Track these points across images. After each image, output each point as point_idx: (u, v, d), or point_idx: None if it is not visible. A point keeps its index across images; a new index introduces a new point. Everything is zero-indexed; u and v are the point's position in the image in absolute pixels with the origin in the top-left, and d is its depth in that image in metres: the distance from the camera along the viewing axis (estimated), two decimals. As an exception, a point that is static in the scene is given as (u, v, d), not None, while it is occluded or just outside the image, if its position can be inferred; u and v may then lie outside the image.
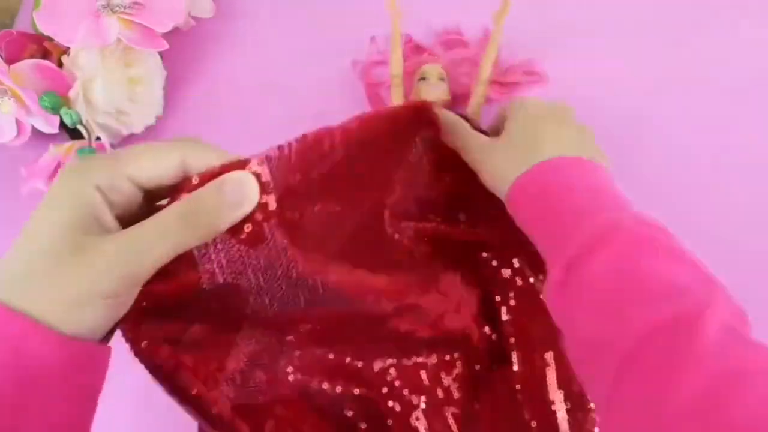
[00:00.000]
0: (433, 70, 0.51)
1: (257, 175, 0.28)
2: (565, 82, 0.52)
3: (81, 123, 0.52)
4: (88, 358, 0.27)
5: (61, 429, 0.27)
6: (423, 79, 0.51)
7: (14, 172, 0.53)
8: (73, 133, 0.54)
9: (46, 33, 0.52)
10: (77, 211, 0.26)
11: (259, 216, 0.28)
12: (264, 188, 0.28)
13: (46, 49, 0.56)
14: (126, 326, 0.28)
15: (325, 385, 0.38)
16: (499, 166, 0.37)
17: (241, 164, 0.28)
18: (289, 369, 0.38)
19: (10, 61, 0.52)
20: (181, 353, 0.31)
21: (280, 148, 0.30)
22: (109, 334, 0.29)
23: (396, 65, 0.50)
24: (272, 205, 0.29)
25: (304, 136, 0.31)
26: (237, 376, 0.35)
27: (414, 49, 0.56)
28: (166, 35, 0.54)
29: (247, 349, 0.35)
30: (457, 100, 0.52)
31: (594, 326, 0.29)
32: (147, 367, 0.30)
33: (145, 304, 0.28)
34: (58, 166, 0.51)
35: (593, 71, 0.53)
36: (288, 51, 0.60)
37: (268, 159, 0.29)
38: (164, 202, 0.28)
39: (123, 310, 0.27)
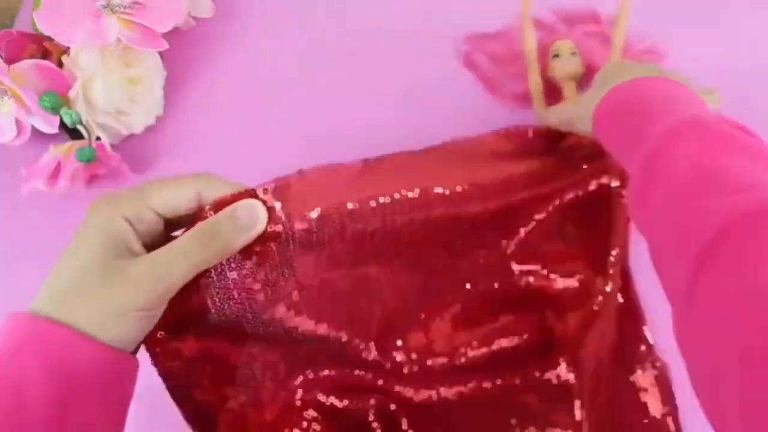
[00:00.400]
0: (564, 45, 0.53)
1: (264, 202, 0.32)
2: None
3: (81, 123, 0.52)
4: (126, 368, 0.30)
5: None
6: (556, 56, 0.52)
7: (14, 172, 0.53)
8: (73, 133, 0.54)
9: (46, 33, 0.52)
10: (110, 238, 0.29)
11: (267, 237, 0.32)
12: (271, 213, 0.32)
13: (46, 49, 0.56)
14: (149, 338, 0.31)
15: (343, 402, 0.38)
16: (586, 108, 0.39)
17: (249, 193, 0.32)
18: (298, 381, 0.38)
19: (10, 61, 0.52)
20: (198, 363, 0.34)
21: (284, 177, 0.33)
22: (137, 348, 0.32)
23: (527, 44, 0.52)
24: (278, 228, 0.32)
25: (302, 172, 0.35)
26: (243, 393, 0.36)
27: (538, 26, 0.57)
28: (166, 35, 0.54)
29: (256, 364, 0.37)
30: (589, 73, 0.53)
31: (672, 218, 0.29)
32: (163, 375, 0.33)
33: (168, 319, 0.31)
34: (58, 166, 0.51)
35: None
36: (288, 51, 0.60)
37: (273, 187, 0.33)
38: (179, 232, 0.32)
39: (152, 323, 0.31)
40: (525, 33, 0.53)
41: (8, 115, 0.51)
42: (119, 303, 0.28)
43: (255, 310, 0.34)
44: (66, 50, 0.54)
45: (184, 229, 0.32)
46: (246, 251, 0.32)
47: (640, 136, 0.32)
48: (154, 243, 0.31)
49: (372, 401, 0.38)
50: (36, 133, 0.53)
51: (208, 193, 0.32)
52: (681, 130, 0.31)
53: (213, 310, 0.33)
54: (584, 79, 0.52)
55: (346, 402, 0.38)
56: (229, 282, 0.32)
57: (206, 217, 0.31)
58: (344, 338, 0.37)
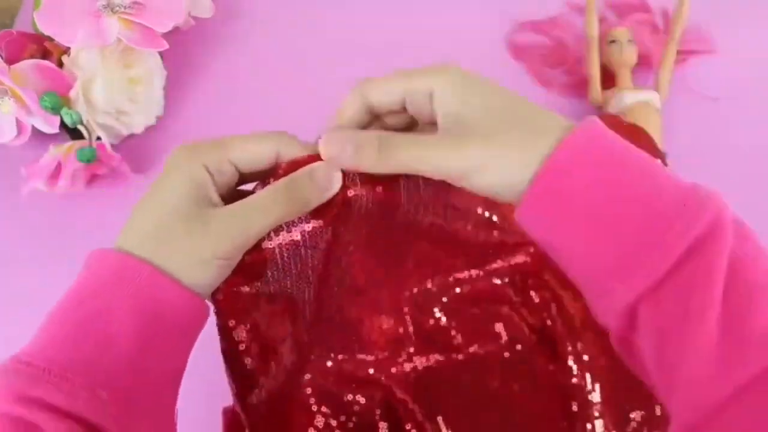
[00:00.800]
0: (622, 33, 0.54)
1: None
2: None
3: (81, 123, 0.52)
4: (200, 313, 0.31)
5: (170, 377, 0.31)
6: (613, 41, 0.54)
7: (14, 172, 0.53)
8: (74, 133, 0.54)
9: (47, 33, 0.52)
10: (192, 186, 0.30)
11: (338, 201, 0.33)
12: (344, 179, 0.33)
13: (46, 49, 0.56)
14: (220, 289, 0.33)
15: (351, 397, 0.38)
16: (486, 169, 0.28)
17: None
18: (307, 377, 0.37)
19: (10, 61, 0.52)
20: (254, 328, 0.35)
21: None
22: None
23: (591, 27, 0.54)
24: (350, 193, 0.33)
25: None
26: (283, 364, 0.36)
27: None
28: (166, 35, 0.54)
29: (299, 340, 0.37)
30: (641, 61, 0.54)
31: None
32: (220, 327, 0.34)
33: (240, 270, 0.33)
34: (59, 166, 0.51)
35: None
36: (288, 51, 0.60)
37: None
38: (247, 187, 0.33)
39: (228, 272, 0.32)
40: (589, 18, 0.54)
41: (8, 115, 0.52)
42: (202, 250, 0.29)
43: (315, 271, 0.35)
44: (66, 50, 0.54)
45: (256, 184, 0.33)
46: (317, 211, 0.33)
47: (627, 248, 0.25)
48: (227, 195, 0.32)
49: (378, 398, 0.38)
50: (36, 133, 0.53)
51: (287, 152, 0.32)
52: (700, 247, 0.24)
53: (280, 266, 0.34)
54: (637, 67, 0.54)
55: (353, 396, 0.38)
56: (299, 237, 0.34)
57: (282, 175, 0.32)
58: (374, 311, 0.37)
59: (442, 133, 0.30)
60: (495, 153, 0.28)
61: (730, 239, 0.24)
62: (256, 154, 0.32)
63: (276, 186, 0.32)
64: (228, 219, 0.30)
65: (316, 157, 0.33)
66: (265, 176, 0.33)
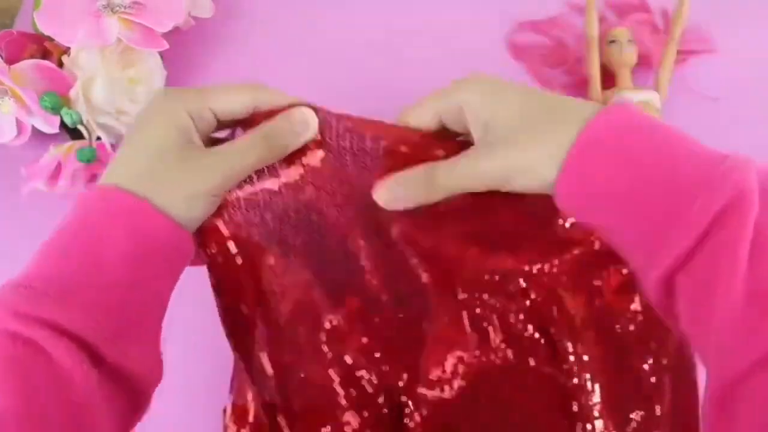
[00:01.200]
0: (622, 32, 0.54)
1: (315, 111, 0.34)
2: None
3: (81, 123, 0.52)
4: (187, 246, 0.32)
5: (156, 305, 0.32)
6: (613, 41, 0.53)
7: (14, 172, 0.53)
8: (74, 133, 0.54)
9: (47, 33, 0.52)
10: (177, 128, 0.32)
11: (312, 146, 0.35)
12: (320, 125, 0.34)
13: (46, 49, 0.56)
14: (205, 227, 0.34)
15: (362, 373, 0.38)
16: (521, 157, 0.30)
17: (301, 104, 0.35)
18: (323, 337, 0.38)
19: (10, 61, 0.52)
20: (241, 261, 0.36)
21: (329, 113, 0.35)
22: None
23: (591, 27, 0.54)
24: (324, 139, 0.35)
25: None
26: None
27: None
28: (166, 35, 0.54)
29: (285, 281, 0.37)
30: (641, 62, 0.54)
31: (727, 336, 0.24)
32: (211, 273, 0.35)
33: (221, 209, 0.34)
34: (59, 166, 0.51)
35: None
36: (288, 51, 0.60)
37: (322, 108, 0.35)
38: (221, 134, 0.35)
39: (213, 209, 0.33)
40: (589, 18, 0.54)
41: (8, 115, 0.52)
42: (192, 186, 0.31)
43: (291, 209, 0.36)
44: (66, 50, 0.54)
45: (230, 130, 0.35)
46: (290, 156, 0.35)
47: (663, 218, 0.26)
48: (205, 141, 0.34)
49: (386, 368, 0.38)
50: (36, 133, 0.53)
51: (264, 101, 0.34)
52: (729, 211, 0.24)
53: (261, 210, 0.35)
54: (637, 67, 0.54)
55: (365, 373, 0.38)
56: (276, 185, 0.35)
57: (259, 122, 0.34)
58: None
59: (475, 146, 0.32)
60: (521, 156, 0.30)
61: (755, 209, 0.24)
62: (234, 103, 0.34)
63: (255, 131, 0.33)
64: (213, 158, 0.32)
65: (292, 106, 0.34)
66: (242, 123, 0.34)
